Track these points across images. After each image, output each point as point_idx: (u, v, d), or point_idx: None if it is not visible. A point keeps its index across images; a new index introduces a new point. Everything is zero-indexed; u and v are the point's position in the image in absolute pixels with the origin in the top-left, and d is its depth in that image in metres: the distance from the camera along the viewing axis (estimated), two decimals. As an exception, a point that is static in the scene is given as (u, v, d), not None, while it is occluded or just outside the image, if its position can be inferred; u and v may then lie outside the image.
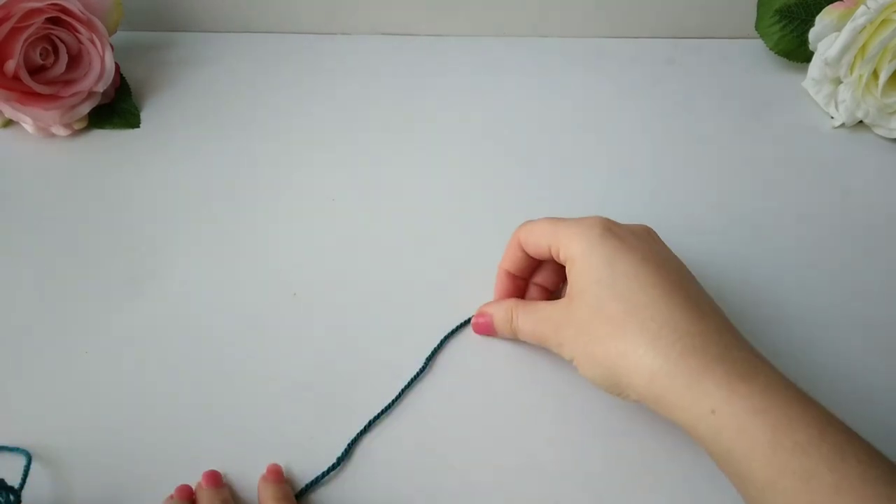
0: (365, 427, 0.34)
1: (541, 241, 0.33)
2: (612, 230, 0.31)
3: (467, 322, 0.38)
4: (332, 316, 0.39)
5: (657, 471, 0.33)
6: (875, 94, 0.47)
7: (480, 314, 0.37)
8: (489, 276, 0.40)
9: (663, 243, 0.33)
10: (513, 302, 0.35)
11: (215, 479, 0.32)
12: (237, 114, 0.51)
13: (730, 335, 0.29)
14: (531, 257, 0.35)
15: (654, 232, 0.34)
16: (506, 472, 0.33)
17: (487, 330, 0.37)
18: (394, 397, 0.35)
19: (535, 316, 0.34)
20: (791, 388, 0.27)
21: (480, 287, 0.39)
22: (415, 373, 0.36)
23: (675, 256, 0.32)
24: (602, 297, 0.30)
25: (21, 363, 0.37)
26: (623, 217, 0.44)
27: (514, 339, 0.36)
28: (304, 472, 0.33)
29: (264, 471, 0.32)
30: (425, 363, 0.37)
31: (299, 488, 0.32)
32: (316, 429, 0.34)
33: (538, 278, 0.37)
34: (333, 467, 0.33)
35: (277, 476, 0.32)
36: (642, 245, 0.31)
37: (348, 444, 0.33)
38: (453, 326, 0.38)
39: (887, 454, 0.26)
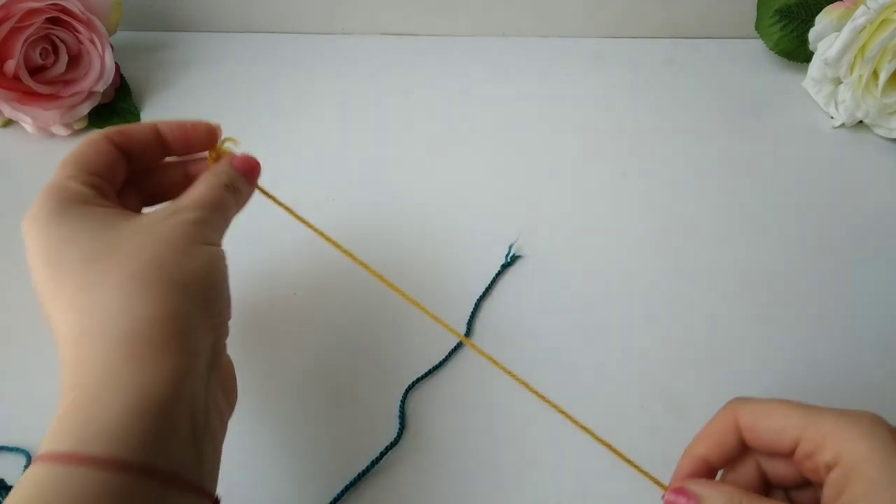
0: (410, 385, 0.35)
1: (786, 431, 0.25)
2: None
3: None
4: (331, 316, 0.39)
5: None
6: (875, 94, 0.47)
7: (681, 491, 0.26)
8: (486, 277, 0.40)
9: None
10: (731, 489, 0.26)
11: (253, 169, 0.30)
12: (237, 114, 0.51)
13: None
14: (744, 446, 0.27)
15: None
16: (505, 473, 0.33)
17: None
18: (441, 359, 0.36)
19: None
20: None
21: (477, 286, 0.40)
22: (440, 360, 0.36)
23: None
24: None
25: (21, 363, 0.37)
26: (623, 217, 0.44)
27: None
28: (304, 470, 0.33)
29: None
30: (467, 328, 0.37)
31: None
32: (317, 428, 0.35)
33: (732, 475, 0.28)
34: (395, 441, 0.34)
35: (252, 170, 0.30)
36: None
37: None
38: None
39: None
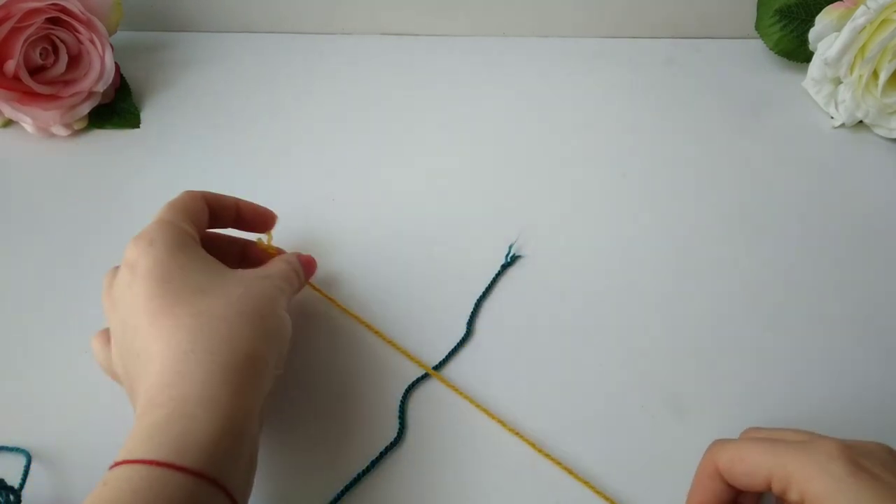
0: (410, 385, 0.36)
1: (758, 472, 0.27)
2: (857, 461, 0.25)
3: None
4: (331, 316, 0.39)
5: (657, 472, 0.33)
6: (875, 94, 0.47)
7: None
8: (486, 277, 0.40)
9: None
10: None
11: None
12: (237, 114, 0.51)
13: None
14: (732, 488, 0.28)
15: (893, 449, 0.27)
16: (506, 473, 0.33)
17: None
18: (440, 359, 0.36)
19: None
20: None
21: (478, 286, 0.40)
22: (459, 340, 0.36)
23: None
24: None
25: (21, 363, 0.37)
26: (623, 217, 0.44)
27: None
28: (304, 470, 0.33)
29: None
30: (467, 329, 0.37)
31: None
32: (317, 428, 0.35)
33: None
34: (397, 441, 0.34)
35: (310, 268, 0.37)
36: (892, 478, 0.25)
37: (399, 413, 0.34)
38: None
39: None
